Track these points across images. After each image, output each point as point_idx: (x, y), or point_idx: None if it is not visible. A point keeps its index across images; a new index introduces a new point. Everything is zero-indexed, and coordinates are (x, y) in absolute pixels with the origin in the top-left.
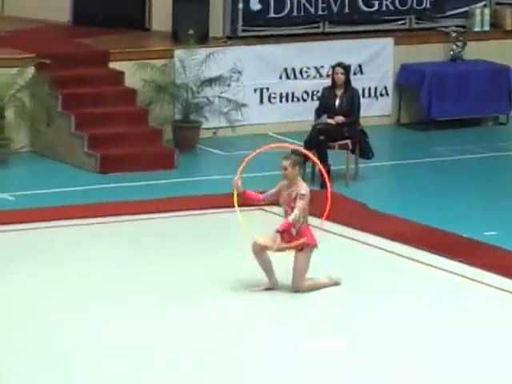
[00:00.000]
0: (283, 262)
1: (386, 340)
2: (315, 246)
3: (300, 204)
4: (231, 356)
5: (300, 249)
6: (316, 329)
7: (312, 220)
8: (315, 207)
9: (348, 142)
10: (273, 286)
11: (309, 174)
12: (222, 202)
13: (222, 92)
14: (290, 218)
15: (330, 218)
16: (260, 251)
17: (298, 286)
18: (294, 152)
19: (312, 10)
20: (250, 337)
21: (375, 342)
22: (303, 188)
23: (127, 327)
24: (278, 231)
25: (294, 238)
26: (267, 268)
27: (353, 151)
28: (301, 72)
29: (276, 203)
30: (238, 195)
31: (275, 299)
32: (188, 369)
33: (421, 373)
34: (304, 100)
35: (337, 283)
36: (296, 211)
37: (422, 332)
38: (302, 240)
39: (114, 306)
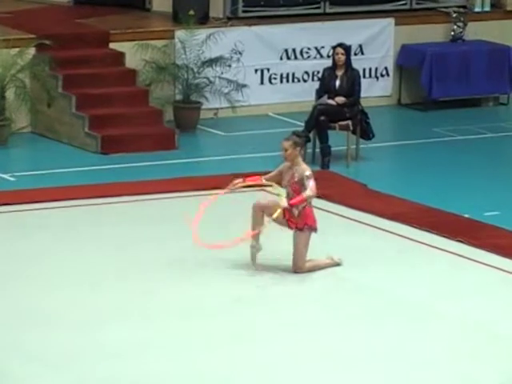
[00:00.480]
0: (283, 245)
1: (387, 313)
2: (315, 229)
3: (311, 183)
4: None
5: (300, 228)
6: (320, 309)
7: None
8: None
9: (349, 122)
10: (256, 250)
11: (309, 154)
12: (222, 182)
13: (222, 73)
14: (305, 193)
15: (330, 199)
16: (258, 212)
17: (298, 267)
18: (295, 133)
19: None
20: (253, 319)
21: (377, 315)
22: (306, 169)
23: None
24: (289, 204)
25: (296, 218)
26: (256, 227)
27: (353, 132)
28: (301, 52)
29: (279, 184)
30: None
31: (277, 282)
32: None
33: (428, 343)
34: (305, 81)
35: (338, 264)
36: (308, 191)
37: (423, 308)
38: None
39: (112, 288)
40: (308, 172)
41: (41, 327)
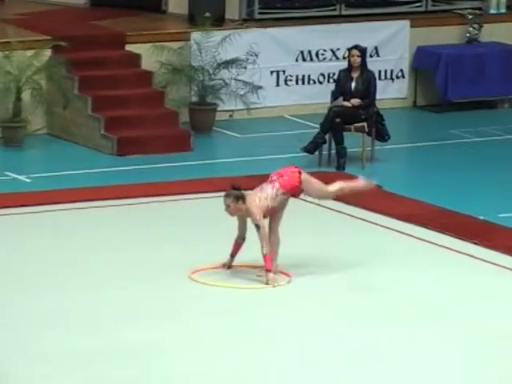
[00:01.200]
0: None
1: (402, 310)
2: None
3: (260, 236)
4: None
5: (293, 194)
6: (332, 310)
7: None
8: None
9: (364, 124)
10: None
11: (325, 156)
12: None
13: (238, 74)
14: (263, 251)
15: (345, 200)
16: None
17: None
18: (233, 187)
19: None
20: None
21: (392, 311)
22: (256, 216)
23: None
24: (266, 270)
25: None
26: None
27: (369, 133)
28: (317, 54)
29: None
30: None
31: (289, 282)
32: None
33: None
34: (320, 82)
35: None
36: (264, 247)
37: (436, 309)
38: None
39: (129, 287)
40: (256, 221)
41: (55, 329)
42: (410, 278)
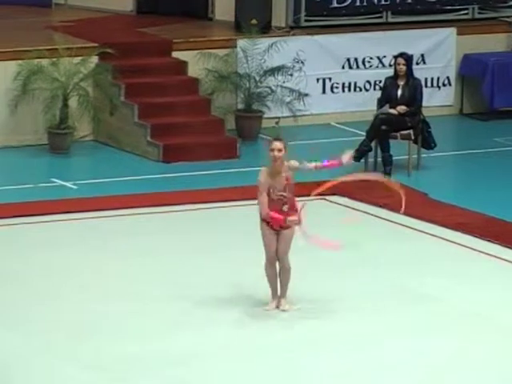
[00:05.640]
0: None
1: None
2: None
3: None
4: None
5: (288, 226)
6: (379, 319)
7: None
8: (378, 197)
9: (410, 131)
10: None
11: (371, 164)
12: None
13: (284, 82)
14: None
15: (391, 208)
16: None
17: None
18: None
19: (375, 0)
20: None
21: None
22: (293, 163)
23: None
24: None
25: (286, 213)
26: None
27: (415, 141)
28: (363, 62)
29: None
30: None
31: (332, 291)
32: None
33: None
34: (366, 90)
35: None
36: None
37: (485, 320)
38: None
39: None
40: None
41: (97, 336)
42: (458, 288)
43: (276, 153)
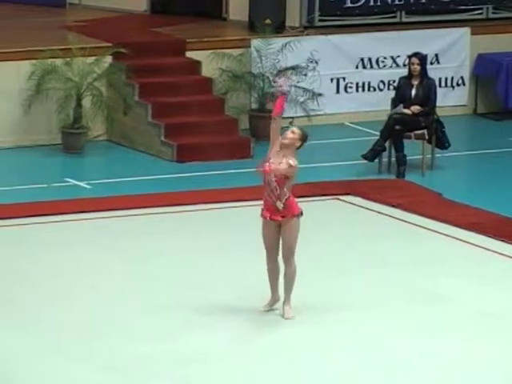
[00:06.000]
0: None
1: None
2: (301, 213)
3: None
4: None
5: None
6: (392, 318)
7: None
8: (392, 197)
9: (424, 131)
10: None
11: (385, 163)
12: (298, 191)
13: (298, 81)
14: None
15: (405, 208)
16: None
17: (288, 260)
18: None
19: (389, 0)
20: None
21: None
22: (294, 161)
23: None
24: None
25: (282, 212)
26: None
27: (429, 141)
28: (377, 62)
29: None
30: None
31: (346, 293)
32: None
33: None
34: (380, 90)
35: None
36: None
37: (498, 321)
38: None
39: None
40: (292, 162)
41: (108, 336)
42: (472, 288)
43: (290, 134)
